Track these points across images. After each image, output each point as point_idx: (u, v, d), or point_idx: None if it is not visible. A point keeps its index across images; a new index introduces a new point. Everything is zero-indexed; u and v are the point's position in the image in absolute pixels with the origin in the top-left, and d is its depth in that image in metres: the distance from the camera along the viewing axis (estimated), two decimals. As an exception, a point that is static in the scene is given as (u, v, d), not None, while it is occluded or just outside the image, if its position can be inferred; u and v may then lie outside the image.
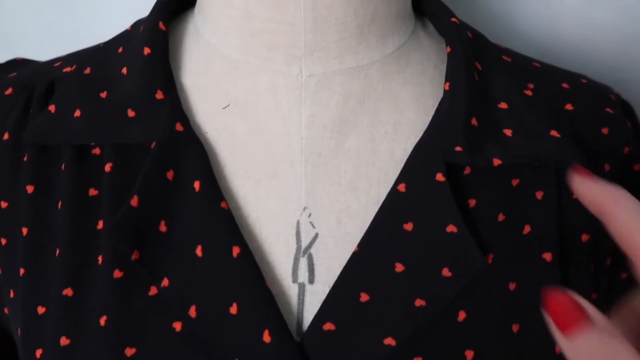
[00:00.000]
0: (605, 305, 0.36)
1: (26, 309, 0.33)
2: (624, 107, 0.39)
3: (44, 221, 0.34)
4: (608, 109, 0.37)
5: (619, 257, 0.37)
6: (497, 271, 0.32)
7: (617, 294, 0.38)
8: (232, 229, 0.31)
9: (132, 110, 0.33)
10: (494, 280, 0.32)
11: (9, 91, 0.37)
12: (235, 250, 0.31)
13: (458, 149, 0.32)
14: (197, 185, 0.32)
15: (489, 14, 0.54)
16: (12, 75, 0.39)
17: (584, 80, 0.39)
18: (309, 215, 0.33)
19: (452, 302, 0.31)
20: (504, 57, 0.38)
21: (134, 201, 0.31)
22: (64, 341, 0.31)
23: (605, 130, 0.36)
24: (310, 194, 0.33)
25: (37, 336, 0.32)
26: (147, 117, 0.33)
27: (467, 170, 0.33)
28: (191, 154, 0.32)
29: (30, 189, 0.34)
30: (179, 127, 0.33)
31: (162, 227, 0.31)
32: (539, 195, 0.33)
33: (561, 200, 0.34)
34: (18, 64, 0.41)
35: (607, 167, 0.36)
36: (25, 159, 0.35)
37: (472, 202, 0.33)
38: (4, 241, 0.35)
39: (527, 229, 0.33)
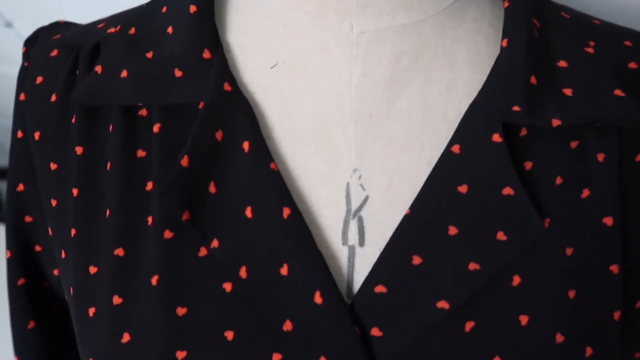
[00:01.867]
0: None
1: (78, 269, 0.34)
2: None
3: (94, 182, 0.34)
4: None
5: None
6: (554, 236, 0.31)
7: None
8: (282, 190, 0.31)
9: (179, 70, 0.33)
10: (550, 245, 0.31)
11: (54, 53, 0.37)
12: (286, 212, 0.30)
13: (516, 108, 0.31)
14: (246, 145, 0.31)
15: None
16: (56, 37, 0.38)
17: None
18: (359, 177, 0.32)
19: (506, 266, 0.30)
20: (562, 13, 0.36)
21: (185, 161, 0.30)
22: (116, 300, 0.32)
23: None
24: (360, 156, 0.32)
25: (90, 295, 0.33)
26: (195, 77, 0.32)
27: (524, 132, 0.32)
28: (240, 114, 0.32)
29: (79, 150, 0.34)
30: (227, 87, 0.32)
31: (212, 188, 0.31)
32: (600, 157, 0.32)
33: (624, 162, 0.32)
34: (60, 27, 0.41)
35: (673, 128, 0.34)
36: (73, 120, 0.35)
37: (529, 165, 0.32)
38: (54, 202, 0.35)
39: (586, 192, 0.32)
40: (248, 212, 0.31)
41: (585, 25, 0.36)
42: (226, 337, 0.30)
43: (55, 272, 0.40)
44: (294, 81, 0.33)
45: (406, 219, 0.31)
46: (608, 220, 0.31)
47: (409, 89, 0.32)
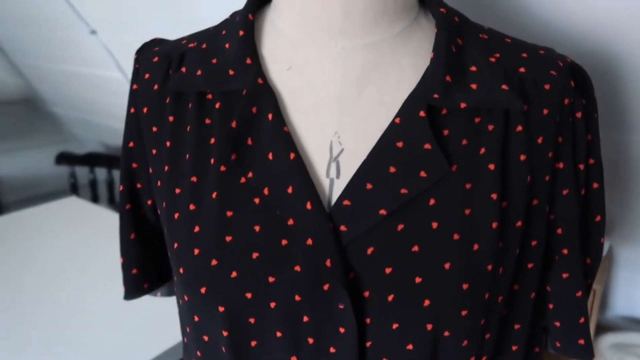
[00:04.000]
0: (545, 210, 0.53)
1: (169, 191, 0.55)
2: (574, 71, 0.54)
3: (180, 138, 0.55)
4: (552, 72, 0.52)
5: (560, 177, 0.53)
6: (459, 176, 0.49)
7: (560, 206, 0.54)
8: (290, 143, 0.51)
9: (232, 70, 0.53)
10: (456, 181, 0.49)
11: (156, 59, 0.58)
12: (292, 155, 0.50)
13: (436, 96, 0.50)
14: (270, 116, 0.51)
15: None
16: (155, 49, 0.60)
17: (542, 52, 0.54)
18: (339, 137, 0.51)
19: (425, 192, 0.49)
20: (481, 35, 0.54)
21: (234, 124, 0.51)
22: (192, 207, 0.53)
23: (547, 87, 0.52)
24: (340, 124, 0.51)
25: (175, 206, 0.54)
26: (241, 75, 0.53)
27: (444, 111, 0.50)
28: (267, 97, 0.52)
29: (171, 118, 0.56)
30: (260, 81, 0.52)
31: (249, 141, 0.52)
32: (491, 127, 0.50)
33: (507, 131, 0.50)
34: (157, 42, 0.62)
35: (545, 111, 0.51)
36: (167, 101, 0.56)
37: (446, 132, 0.50)
38: (154, 152, 0.57)
39: (482, 150, 0.50)
40: (270, 156, 0.51)
41: (497, 43, 0.54)
42: (255, 229, 0.50)
43: (149, 202, 0.62)
44: (301, 78, 0.53)
45: (364, 162, 0.50)
46: (492, 166, 0.50)
47: (371, 84, 0.52)
